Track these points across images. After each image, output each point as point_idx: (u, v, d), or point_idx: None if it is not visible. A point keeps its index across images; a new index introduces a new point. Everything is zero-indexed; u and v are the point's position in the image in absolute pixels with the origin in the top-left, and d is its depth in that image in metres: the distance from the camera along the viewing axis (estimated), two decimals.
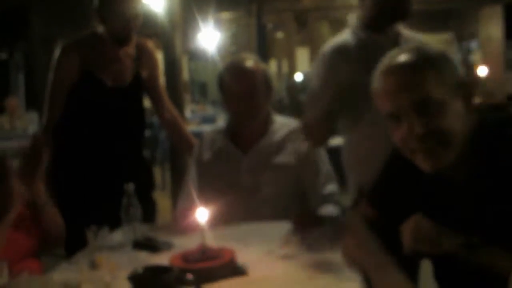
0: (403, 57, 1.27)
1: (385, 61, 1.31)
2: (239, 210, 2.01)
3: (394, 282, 1.23)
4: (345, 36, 2.09)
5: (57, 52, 2.40)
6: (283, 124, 2.21)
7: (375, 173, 1.54)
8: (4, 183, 1.49)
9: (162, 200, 3.76)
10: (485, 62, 9.71)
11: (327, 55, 2.05)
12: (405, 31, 2.09)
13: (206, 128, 4.06)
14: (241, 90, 2.09)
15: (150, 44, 2.60)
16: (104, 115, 2.42)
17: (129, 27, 2.34)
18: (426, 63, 1.25)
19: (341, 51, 2.03)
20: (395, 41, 2.00)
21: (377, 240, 1.35)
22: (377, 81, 1.31)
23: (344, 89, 1.94)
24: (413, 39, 2.07)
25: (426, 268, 1.45)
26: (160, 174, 6.35)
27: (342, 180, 2.17)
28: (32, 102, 8.90)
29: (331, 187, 2.13)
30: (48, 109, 2.42)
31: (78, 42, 2.42)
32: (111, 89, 2.41)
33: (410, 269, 1.20)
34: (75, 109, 2.41)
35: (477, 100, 1.96)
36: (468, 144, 1.26)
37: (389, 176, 1.47)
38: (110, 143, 2.44)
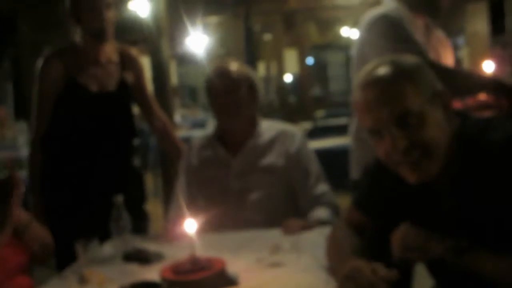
0: (380, 71, 1.28)
1: (363, 74, 1.32)
2: (229, 214, 2.02)
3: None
4: (381, 11, 2.12)
5: (39, 63, 2.38)
6: (269, 126, 2.23)
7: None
8: (8, 203, 1.48)
9: (154, 207, 3.75)
10: (472, 58, 9.75)
11: (373, 22, 2.10)
12: (431, 24, 2.23)
13: (197, 133, 4.06)
14: (223, 88, 2.11)
15: (133, 50, 2.59)
16: (91, 123, 2.40)
17: (103, 17, 2.31)
18: (402, 76, 1.26)
19: (384, 20, 2.08)
20: (427, 26, 2.18)
21: (355, 245, 1.36)
22: (356, 94, 1.32)
23: None
24: (438, 33, 2.25)
25: None
26: (152, 181, 6.32)
27: (332, 182, 2.17)
28: (21, 110, 8.82)
29: (322, 187, 2.13)
30: (35, 121, 2.40)
31: (59, 51, 2.41)
32: (97, 96, 2.40)
33: (400, 276, 1.20)
34: (62, 118, 2.39)
35: (482, 97, 1.96)
36: (450, 151, 1.27)
37: (376, 182, 1.48)
38: (99, 153, 2.42)
